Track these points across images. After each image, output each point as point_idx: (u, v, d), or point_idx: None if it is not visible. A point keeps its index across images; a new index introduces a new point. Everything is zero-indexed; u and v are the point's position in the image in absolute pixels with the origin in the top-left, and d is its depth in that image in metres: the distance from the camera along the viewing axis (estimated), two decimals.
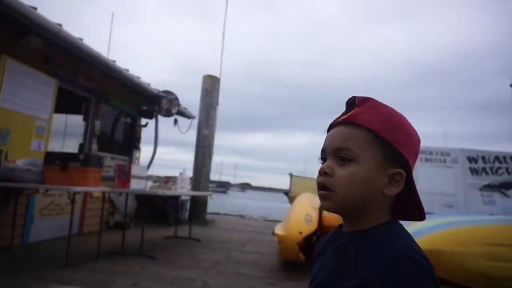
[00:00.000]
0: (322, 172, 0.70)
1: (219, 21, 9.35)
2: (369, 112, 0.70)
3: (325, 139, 0.74)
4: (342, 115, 0.73)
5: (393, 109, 0.72)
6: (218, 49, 9.15)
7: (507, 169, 6.73)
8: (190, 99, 9.44)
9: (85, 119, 5.77)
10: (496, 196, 6.56)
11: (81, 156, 3.83)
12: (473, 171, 6.83)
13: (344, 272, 0.66)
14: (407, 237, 0.67)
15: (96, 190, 4.12)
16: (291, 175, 11.16)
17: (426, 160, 6.92)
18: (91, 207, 5.54)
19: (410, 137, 0.71)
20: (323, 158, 0.73)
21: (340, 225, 0.77)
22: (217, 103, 8.88)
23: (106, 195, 4.54)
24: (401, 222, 0.72)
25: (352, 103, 0.72)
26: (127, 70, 5.66)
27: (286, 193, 13.23)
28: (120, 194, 5.49)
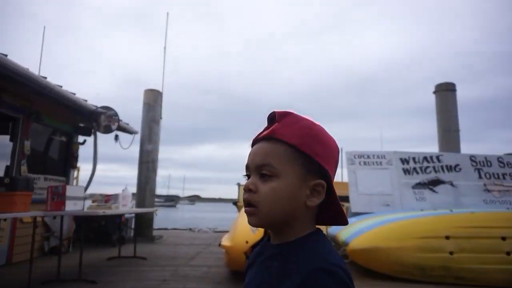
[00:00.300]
0: (246, 189, 0.71)
1: (162, 34, 9.24)
2: (288, 126, 0.71)
3: (248, 156, 0.74)
4: (264, 130, 0.74)
5: (311, 122, 0.73)
6: (160, 63, 9.01)
7: (434, 168, 7.36)
8: (133, 113, 9.15)
9: (12, 139, 5.33)
10: (426, 193, 7.13)
11: (7, 180, 3.55)
12: (406, 171, 7.37)
13: (268, 286, 0.67)
14: (326, 248, 0.68)
15: (25, 215, 3.81)
16: (238, 184, 11.23)
17: (364, 163, 7.35)
18: (21, 234, 5.09)
19: (328, 148, 0.72)
20: (248, 174, 0.73)
21: (269, 237, 0.78)
22: (160, 117, 8.70)
23: (39, 219, 4.21)
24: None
25: (273, 118, 0.73)
26: (61, 87, 5.36)
27: (235, 202, 13.24)
28: (54, 217, 5.14)
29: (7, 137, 5.35)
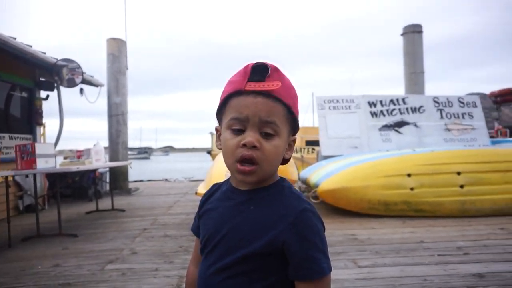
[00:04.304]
0: (250, 146, 0.70)
1: None
2: (282, 86, 0.72)
3: (245, 107, 0.71)
4: (251, 80, 0.71)
5: (288, 79, 0.76)
6: (121, 9, 8.46)
7: (399, 110, 7.66)
8: (96, 65, 8.73)
9: None
10: (392, 134, 7.49)
11: None
12: (373, 114, 7.65)
13: (251, 227, 0.72)
14: (299, 192, 0.78)
15: None
16: (211, 133, 11.27)
17: (334, 108, 7.53)
18: None
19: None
20: (239, 128, 0.71)
21: (227, 181, 0.82)
22: (126, 68, 8.36)
23: (10, 178, 4.15)
24: None
25: (263, 70, 0.71)
26: (14, 39, 4.98)
27: (209, 151, 13.39)
28: (27, 176, 5.06)
29: None
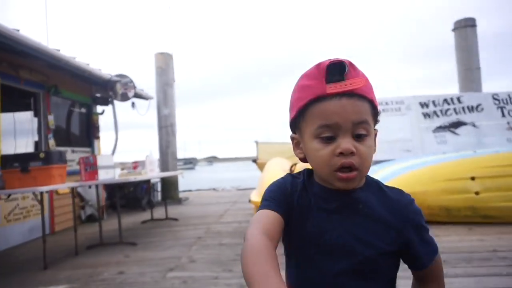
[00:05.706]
0: (347, 153, 0.67)
1: None
2: (364, 81, 0.69)
3: (333, 114, 0.67)
4: (331, 81, 0.67)
5: (362, 71, 0.72)
6: (167, 24, 8.80)
7: (454, 109, 7.23)
8: (145, 79, 9.14)
9: (36, 114, 5.45)
10: (447, 136, 7.07)
11: (42, 155, 3.68)
12: (426, 115, 7.28)
13: (368, 229, 0.71)
14: (393, 186, 0.79)
15: (65, 186, 3.99)
16: (256, 142, 11.29)
17: (383, 110, 7.25)
18: (59, 205, 5.38)
19: None
20: (329, 136, 0.68)
21: (309, 180, 0.76)
22: (173, 80, 8.67)
23: (75, 189, 4.41)
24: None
25: (341, 68, 0.68)
26: (74, 58, 5.35)
27: (254, 160, 13.43)
28: (90, 187, 5.35)
29: (31, 113, 5.48)
